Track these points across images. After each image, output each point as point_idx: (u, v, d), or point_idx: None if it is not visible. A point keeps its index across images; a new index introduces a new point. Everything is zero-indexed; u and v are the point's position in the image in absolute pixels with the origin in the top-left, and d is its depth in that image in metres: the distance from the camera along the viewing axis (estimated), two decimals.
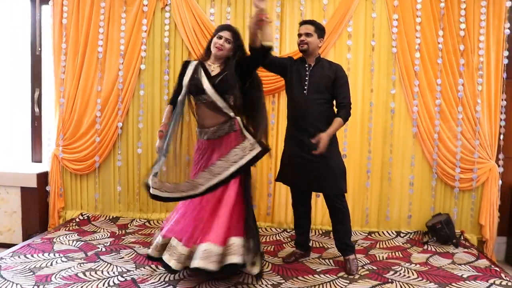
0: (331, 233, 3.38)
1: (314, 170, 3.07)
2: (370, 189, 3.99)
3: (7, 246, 3.70)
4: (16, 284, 2.78)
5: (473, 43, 3.77)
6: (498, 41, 3.75)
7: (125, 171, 4.18)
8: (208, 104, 2.90)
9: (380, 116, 3.93)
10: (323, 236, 3.87)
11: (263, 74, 3.71)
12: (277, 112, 3.97)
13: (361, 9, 3.87)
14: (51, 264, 3.11)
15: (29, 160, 4.45)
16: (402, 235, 3.90)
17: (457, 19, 3.77)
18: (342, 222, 3.16)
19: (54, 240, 3.60)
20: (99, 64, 4.07)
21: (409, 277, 3.04)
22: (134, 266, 3.12)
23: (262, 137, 2.95)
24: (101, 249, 3.44)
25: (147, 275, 2.97)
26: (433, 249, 3.61)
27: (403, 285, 2.90)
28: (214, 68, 2.96)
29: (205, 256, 2.62)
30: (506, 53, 3.75)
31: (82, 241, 3.61)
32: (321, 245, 3.68)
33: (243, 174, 2.87)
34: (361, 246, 3.66)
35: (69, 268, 3.05)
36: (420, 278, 3.01)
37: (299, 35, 3.13)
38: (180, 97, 2.96)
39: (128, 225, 4.03)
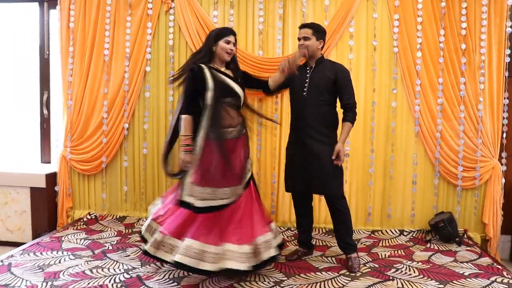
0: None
1: (312, 172, 3.11)
2: (373, 188, 4.02)
3: (17, 244, 3.78)
4: (26, 280, 2.86)
5: (474, 42, 3.78)
6: (500, 40, 3.76)
7: (131, 172, 4.26)
8: (233, 105, 3.03)
9: (383, 115, 3.96)
10: (326, 235, 3.91)
11: (264, 75, 3.80)
12: (280, 112, 4.01)
13: (363, 10, 3.90)
14: (59, 262, 3.20)
15: (38, 161, 4.55)
16: (405, 233, 3.93)
17: (458, 18, 3.78)
18: (343, 222, 3.20)
19: (63, 238, 3.69)
20: (105, 66, 4.15)
21: (410, 274, 3.07)
22: (140, 264, 3.19)
23: None
24: (108, 247, 3.52)
25: (152, 272, 3.04)
26: (436, 248, 3.63)
27: (404, 282, 2.93)
28: (226, 71, 3.08)
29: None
30: (508, 52, 3.76)
31: (89, 239, 3.69)
32: (324, 243, 3.72)
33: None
34: (364, 244, 3.69)
35: (76, 265, 3.13)
36: (421, 276, 3.04)
37: (299, 39, 3.19)
38: (210, 102, 2.92)
39: (135, 224, 4.10)
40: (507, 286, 2.86)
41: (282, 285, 2.87)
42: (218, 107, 2.93)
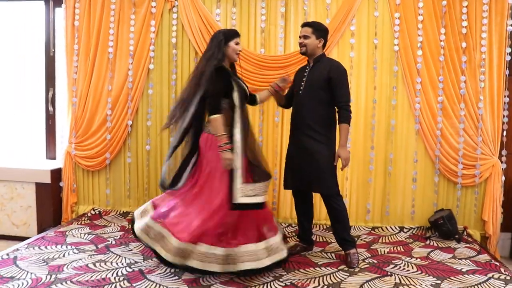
0: None
1: (307, 170, 3.15)
2: (374, 185, 4.06)
3: (22, 239, 3.84)
4: (31, 273, 2.93)
5: (475, 40, 3.80)
6: (500, 38, 3.77)
7: (134, 168, 4.32)
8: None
9: (383, 113, 3.99)
10: (326, 231, 3.95)
11: (266, 72, 3.85)
12: (281, 110, 4.05)
13: (364, 8, 3.93)
14: (64, 256, 3.26)
15: (43, 157, 4.62)
16: (405, 230, 3.96)
17: (459, 16, 3.80)
18: (339, 221, 3.23)
19: (67, 233, 3.76)
20: (109, 64, 4.21)
21: (408, 270, 3.10)
22: (142, 258, 3.24)
23: None
24: (111, 242, 3.58)
25: (154, 266, 3.09)
26: (435, 244, 3.66)
27: (402, 278, 2.97)
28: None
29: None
30: (508, 50, 3.78)
31: (93, 234, 3.76)
32: (324, 239, 3.76)
33: None
34: (364, 241, 3.73)
35: (80, 259, 3.19)
36: (419, 272, 3.07)
37: (299, 37, 3.23)
38: (238, 103, 2.99)
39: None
40: (504, 283, 2.89)
41: (281, 279, 2.92)
42: (245, 108, 3.07)
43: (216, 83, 2.94)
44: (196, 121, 3.09)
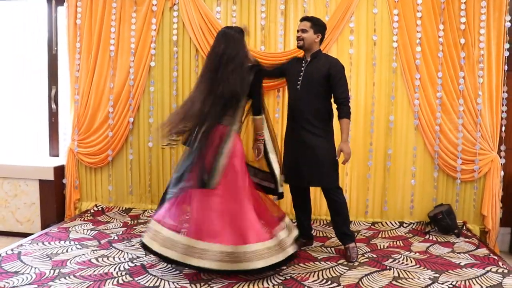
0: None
1: (307, 164, 3.19)
2: (373, 181, 4.09)
3: (26, 235, 3.87)
4: (35, 267, 2.98)
5: (473, 36, 3.82)
6: (499, 34, 3.79)
7: (136, 164, 4.36)
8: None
9: (382, 109, 4.01)
10: (326, 226, 3.99)
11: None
12: (282, 107, 4.08)
13: (363, 5, 3.95)
14: (67, 251, 3.31)
15: (46, 154, 4.67)
16: (404, 225, 3.99)
17: (458, 12, 3.82)
18: (339, 214, 3.27)
19: (70, 229, 3.81)
20: (111, 62, 4.25)
21: (407, 264, 3.14)
22: (144, 253, 3.27)
23: None
24: (114, 237, 3.63)
25: (156, 261, 3.13)
26: (434, 239, 3.69)
27: (401, 272, 3.00)
28: None
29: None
30: (507, 46, 3.79)
31: (96, 230, 3.80)
32: (324, 234, 3.80)
33: None
34: (364, 235, 3.77)
35: (83, 254, 3.24)
36: (418, 266, 3.11)
37: (297, 31, 3.25)
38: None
39: (140, 216, 4.21)
40: (501, 276, 2.92)
41: (281, 274, 2.95)
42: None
43: (261, 84, 3.16)
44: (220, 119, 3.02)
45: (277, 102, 4.11)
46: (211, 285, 2.77)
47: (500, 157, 3.90)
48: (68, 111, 4.40)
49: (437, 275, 2.94)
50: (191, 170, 2.96)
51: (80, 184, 4.43)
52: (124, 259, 3.18)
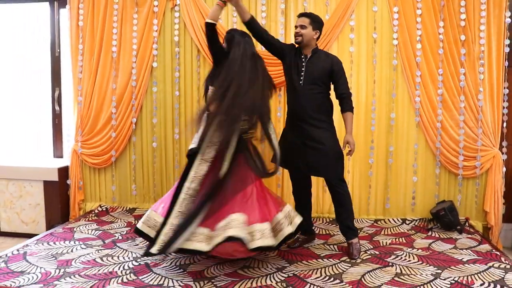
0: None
1: (312, 156, 3.22)
2: (375, 178, 4.11)
3: (32, 236, 3.89)
4: (40, 267, 3.01)
5: (473, 33, 3.83)
6: (499, 30, 3.80)
7: (140, 164, 4.40)
8: None
9: (384, 107, 4.03)
10: (329, 224, 4.00)
11: (268, 68, 3.86)
12: (283, 105, 4.11)
13: (363, 3, 3.97)
14: (72, 251, 3.34)
15: (51, 155, 4.71)
16: (407, 222, 4.00)
17: (458, 9, 3.83)
18: (343, 205, 3.29)
19: (75, 229, 3.84)
20: (113, 63, 4.28)
21: (409, 260, 3.15)
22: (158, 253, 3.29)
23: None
24: (118, 237, 3.66)
25: (160, 260, 3.16)
26: (437, 235, 3.70)
27: (403, 268, 3.01)
28: None
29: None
30: (507, 42, 3.80)
31: (100, 230, 3.83)
32: (327, 232, 3.81)
33: None
34: (366, 233, 3.78)
35: (87, 254, 3.27)
36: (420, 262, 3.12)
37: (295, 27, 3.27)
38: None
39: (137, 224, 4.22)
40: (503, 271, 2.93)
41: (284, 271, 2.98)
42: None
43: None
44: None
45: (278, 101, 4.13)
46: (215, 283, 2.79)
47: (502, 153, 3.91)
48: (71, 113, 4.43)
49: (439, 271, 2.95)
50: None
51: (84, 185, 4.47)
52: (128, 258, 3.20)
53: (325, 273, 2.95)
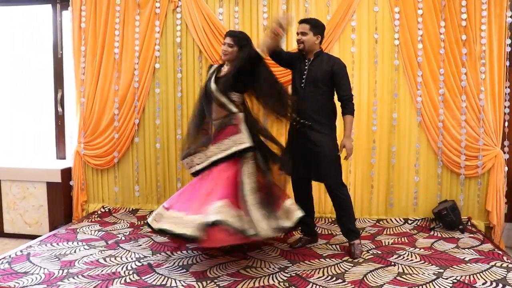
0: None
1: (312, 160, 3.24)
2: (377, 178, 4.11)
3: (35, 237, 3.90)
4: (44, 268, 3.03)
5: (475, 33, 3.83)
6: (500, 30, 3.80)
7: (142, 165, 4.41)
8: (215, 100, 3.24)
9: (385, 107, 4.04)
10: (332, 224, 4.01)
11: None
12: None
13: (364, 4, 3.98)
14: (75, 251, 3.36)
15: (54, 157, 4.73)
16: (409, 222, 4.00)
17: (459, 9, 3.83)
18: (343, 209, 3.31)
19: (78, 230, 3.86)
20: (116, 64, 4.30)
21: (411, 260, 3.16)
22: (151, 253, 3.33)
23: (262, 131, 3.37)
24: (121, 238, 3.67)
25: (163, 260, 3.18)
26: (439, 235, 3.70)
27: (405, 267, 3.02)
28: (224, 70, 3.31)
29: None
30: (508, 41, 3.81)
31: (103, 231, 3.85)
32: (329, 232, 3.82)
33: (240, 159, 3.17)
34: (368, 232, 3.78)
35: (91, 254, 3.29)
36: (423, 261, 3.13)
37: (297, 34, 3.30)
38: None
39: (147, 216, 4.23)
40: (506, 270, 2.93)
41: (286, 271, 2.99)
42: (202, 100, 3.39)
43: None
44: None
45: None
46: (217, 283, 2.80)
47: (504, 153, 3.91)
48: (74, 114, 4.45)
49: (441, 270, 2.95)
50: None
51: (87, 186, 4.49)
52: (131, 258, 3.22)
53: (328, 273, 2.96)
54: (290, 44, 4.09)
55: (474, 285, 2.72)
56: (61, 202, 4.33)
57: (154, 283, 2.81)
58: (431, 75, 3.92)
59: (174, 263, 3.13)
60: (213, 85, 3.25)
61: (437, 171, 4.04)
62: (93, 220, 4.16)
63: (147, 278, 2.88)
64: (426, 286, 2.73)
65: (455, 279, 2.81)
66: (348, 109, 3.23)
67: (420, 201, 4.09)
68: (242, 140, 3.18)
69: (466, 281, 2.78)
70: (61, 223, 4.25)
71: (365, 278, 2.85)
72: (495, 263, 3.06)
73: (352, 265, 3.09)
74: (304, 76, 3.27)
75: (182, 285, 2.77)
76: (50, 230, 4.21)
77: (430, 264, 3.07)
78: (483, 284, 2.74)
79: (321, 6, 4.03)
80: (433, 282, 2.77)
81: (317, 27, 3.25)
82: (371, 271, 2.96)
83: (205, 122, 3.41)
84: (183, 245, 3.34)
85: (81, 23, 4.32)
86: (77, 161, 4.41)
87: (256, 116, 3.41)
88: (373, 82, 4.02)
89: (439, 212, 3.82)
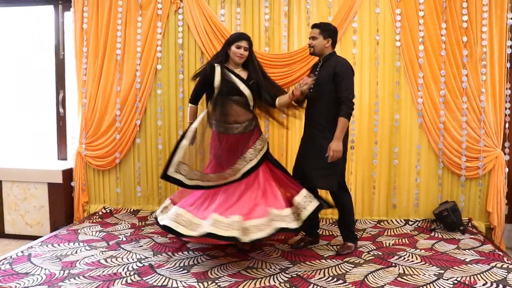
0: None
1: (308, 163, 3.27)
2: (378, 179, 4.12)
3: (36, 238, 3.91)
4: (45, 269, 3.04)
5: (476, 34, 3.84)
6: (501, 31, 3.82)
7: (144, 166, 4.42)
8: (241, 103, 3.30)
9: (386, 108, 4.05)
10: (332, 225, 4.02)
11: (271, 71, 3.89)
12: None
13: (365, 5, 3.99)
14: (76, 252, 3.36)
15: (55, 158, 4.74)
16: (410, 223, 4.01)
17: (460, 11, 3.85)
18: (342, 213, 3.39)
19: (79, 231, 3.86)
20: (117, 65, 4.31)
21: (412, 261, 3.16)
22: (152, 253, 3.33)
23: None
24: (122, 238, 3.68)
25: (164, 261, 3.18)
26: (440, 236, 3.71)
27: (406, 268, 3.03)
28: (240, 72, 3.36)
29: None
30: (509, 43, 3.82)
31: (104, 232, 3.86)
32: (330, 233, 3.83)
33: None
34: (369, 233, 3.79)
35: (92, 255, 3.29)
36: (423, 262, 3.13)
37: (308, 39, 3.33)
38: (215, 97, 3.30)
39: (148, 217, 4.26)
40: (506, 271, 2.93)
41: (287, 271, 2.99)
42: (224, 103, 3.25)
43: (199, 78, 3.40)
44: None
45: None
46: (218, 283, 2.80)
47: (504, 154, 3.92)
48: (75, 115, 4.46)
49: (442, 271, 2.96)
50: None
51: (88, 187, 4.49)
52: (133, 259, 3.22)
53: (328, 274, 2.96)
54: (291, 45, 4.11)
55: (475, 286, 2.73)
56: (62, 203, 4.33)
57: (155, 284, 2.81)
58: (432, 76, 3.93)
59: (175, 264, 3.13)
60: (247, 90, 3.32)
61: (438, 172, 4.04)
62: (94, 221, 4.17)
63: (148, 279, 2.89)
64: (426, 287, 2.73)
65: (456, 280, 2.82)
66: (342, 111, 3.11)
67: (421, 202, 4.09)
68: (266, 141, 3.45)
69: (467, 282, 2.78)
70: (62, 224, 4.25)
71: (365, 279, 2.86)
72: (496, 264, 3.06)
73: (353, 266, 3.09)
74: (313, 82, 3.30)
75: (183, 286, 2.77)
76: (51, 231, 4.21)
77: (431, 265, 3.08)
78: (483, 285, 2.74)
79: (322, 7, 4.04)
80: (434, 283, 2.78)
81: (326, 30, 3.26)
82: (371, 272, 2.96)
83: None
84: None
85: (83, 24, 4.33)
86: (78, 162, 4.41)
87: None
88: (375, 83, 4.03)
89: (440, 213, 3.83)
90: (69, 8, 4.40)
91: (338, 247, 3.40)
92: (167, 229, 3.13)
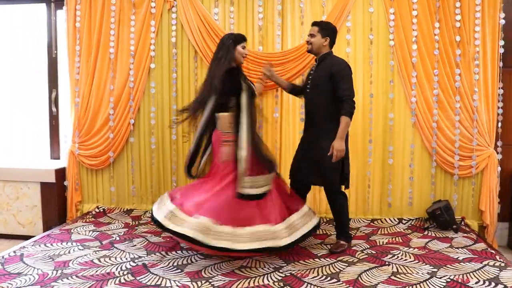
0: None
1: (310, 163, 3.28)
2: (372, 178, 4.13)
3: (28, 238, 3.88)
4: (37, 269, 3.01)
5: (468, 34, 3.86)
6: (493, 31, 3.84)
7: (137, 165, 4.40)
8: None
9: (380, 107, 4.06)
10: (326, 224, 4.01)
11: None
12: (280, 106, 4.13)
13: (359, 4, 4.00)
14: (69, 252, 3.34)
15: (48, 157, 4.70)
16: (404, 221, 4.02)
17: (453, 10, 3.86)
18: (336, 213, 3.40)
19: (72, 230, 3.84)
20: (111, 64, 4.29)
21: (406, 260, 3.17)
22: (146, 253, 3.32)
23: None
24: (115, 238, 3.66)
25: (157, 260, 3.17)
26: (433, 235, 3.73)
27: (399, 267, 3.03)
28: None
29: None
30: (502, 43, 3.84)
31: (97, 231, 3.84)
32: (323, 232, 3.82)
33: None
34: (363, 232, 3.80)
35: (85, 255, 3.27)
36: (417, 261, 3.14)
37: (307, 36, 3.35)
38: (245, 102, 3.18)
39: (141, 217, 4.24)
40: (498, 269, 2.95)
41: (281, 270, 2.99)
42: (254, 107, 3.26)
43: (226, 83, 3.18)
44: (212, 119, 3.31)
45: (275, 101, 4.14)
46: (212, 283, 2.80)
47: (497, 153, 3.95)
48: (68, 114, 4.43)
49: (435, 269, 2.97)
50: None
51: (81, 186, 4.47)
52: (126, 259, 3.21)
53: (322, 273, 2.96)
54: (285, 44, 4.11)
55: (467, 284, 2.74)
56: (55, 203, 4.31)
57: (148, 283, 2.80)
58: (425, 75, 3.95)
59: (169, 263, 3.12)
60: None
61: (431, 171, 4.06)
62: (87, 220, 4.15)
63: (142, 278, 2.88)
64: (420, 286, 2.74)
65: (449, 278, 2.83)
66: (344, 110, 3.14)
67: (414, 201, 4.11)
68: None
69: (460, 280, 2.80)
70: (55, 223, 4.23)
71: (359, 278, 2.86)
72: (488, 262, 3.08)
73: (346, 265, 3.10)
74: (309, 82, 3.31)
75: (177, 285, 2.76)
76: (44, 230, 4.19)
77: (424, 264, 3.09)
78: (476, 283, 2.76)
79: (316, 6, 4.04)
80: (427, 282, 2.79)
81: (325, 29, 3.29)
82: (365, 271, 2.97)
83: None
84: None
85: (75, 23, 4.30)
86: (71, 161, 4.39)
87: None
88: (368, 82, 4.03)
89: (433, 212, 3.84)
90: (61, 6, 4.37)
91: (332, 245, 3.42)
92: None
